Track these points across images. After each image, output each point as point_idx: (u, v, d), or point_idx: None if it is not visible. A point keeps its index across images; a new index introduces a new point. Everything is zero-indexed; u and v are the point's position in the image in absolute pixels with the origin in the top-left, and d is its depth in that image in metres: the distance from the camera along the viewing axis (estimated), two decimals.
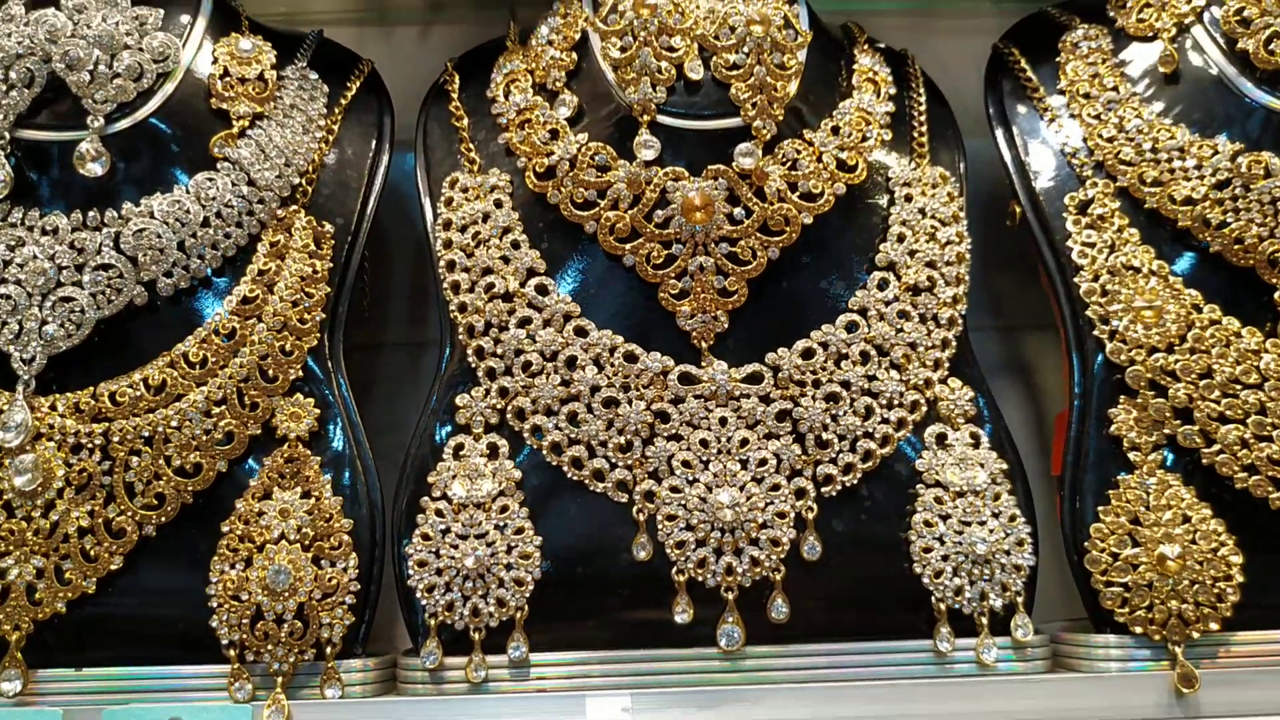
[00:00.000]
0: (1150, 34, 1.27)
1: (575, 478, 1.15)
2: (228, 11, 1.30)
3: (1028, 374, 1.47)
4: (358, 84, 1.33)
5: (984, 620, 1.15)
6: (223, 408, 1.16)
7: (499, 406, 1.17)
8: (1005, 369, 1.43)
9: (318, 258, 1.22)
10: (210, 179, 1.20)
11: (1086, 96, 1.27)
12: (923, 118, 1.30)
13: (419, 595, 1.13)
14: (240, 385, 1.17)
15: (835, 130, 1.23)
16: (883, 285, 1.21)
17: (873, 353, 1.18)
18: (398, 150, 1.33)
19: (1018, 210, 1.32)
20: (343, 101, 1.31)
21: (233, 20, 1.30)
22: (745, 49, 1.18)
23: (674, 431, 1.15)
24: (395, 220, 1.47)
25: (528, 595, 1.13)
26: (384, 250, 1.47)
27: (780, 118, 1.19)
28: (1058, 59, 1.31)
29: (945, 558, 1.14)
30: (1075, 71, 1.28)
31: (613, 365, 1.16)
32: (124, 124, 1.19)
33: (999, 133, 1.30)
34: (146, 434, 1.15)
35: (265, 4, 1.55)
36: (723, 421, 1.15)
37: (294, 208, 1.23)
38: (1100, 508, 1.16)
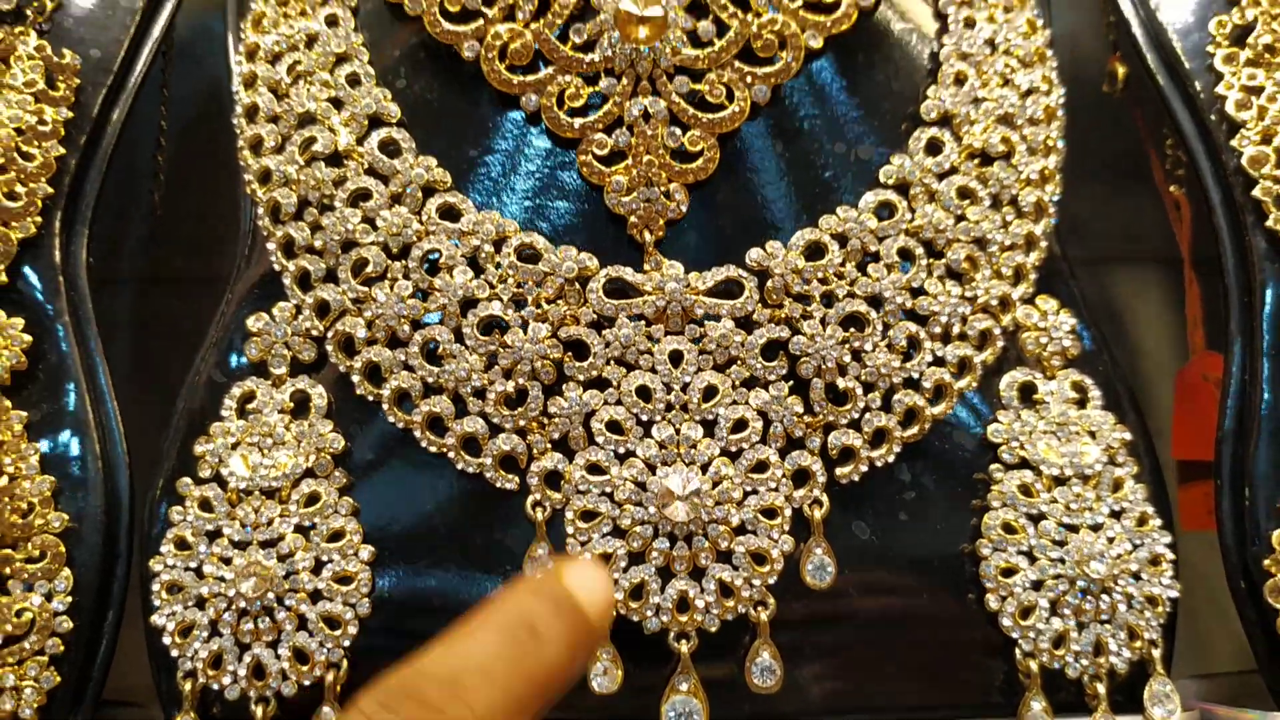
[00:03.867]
0: None
1: (434, 449, 0.62)
2: None
3: (1117, 322, 0.93)
4: None
5: (1101, 689, 0.61)
6: None
7: (315, 332, 0.64)
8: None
9: (49, 102, 0.68)
10: None
11: None
12: None
13: (169, 640, 0.60)
14: None
15: None
16: (934, 148, 0.67)
17: (919, 251, 0.64)
18: None
19: (1121, 70, 0.79)
20: None
21: None
22: None
23: (595, 374, 0.62)
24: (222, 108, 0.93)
25: (348, 644, 0.60)
26: (207, 148, 0.92)
27: None
28: None
29: (1038, 585, 0.61)
30: None
31: (499, 267, 0.63)
32: None
33: None
34: None
35: None
36: (675, 359, 0.62)
37: (20, 28, 0.70)
38: None
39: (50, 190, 0.67)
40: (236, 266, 0.67)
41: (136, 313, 0.93)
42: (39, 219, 0.66)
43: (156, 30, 0.73)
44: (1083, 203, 0.78)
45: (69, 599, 0.60)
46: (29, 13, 0.70)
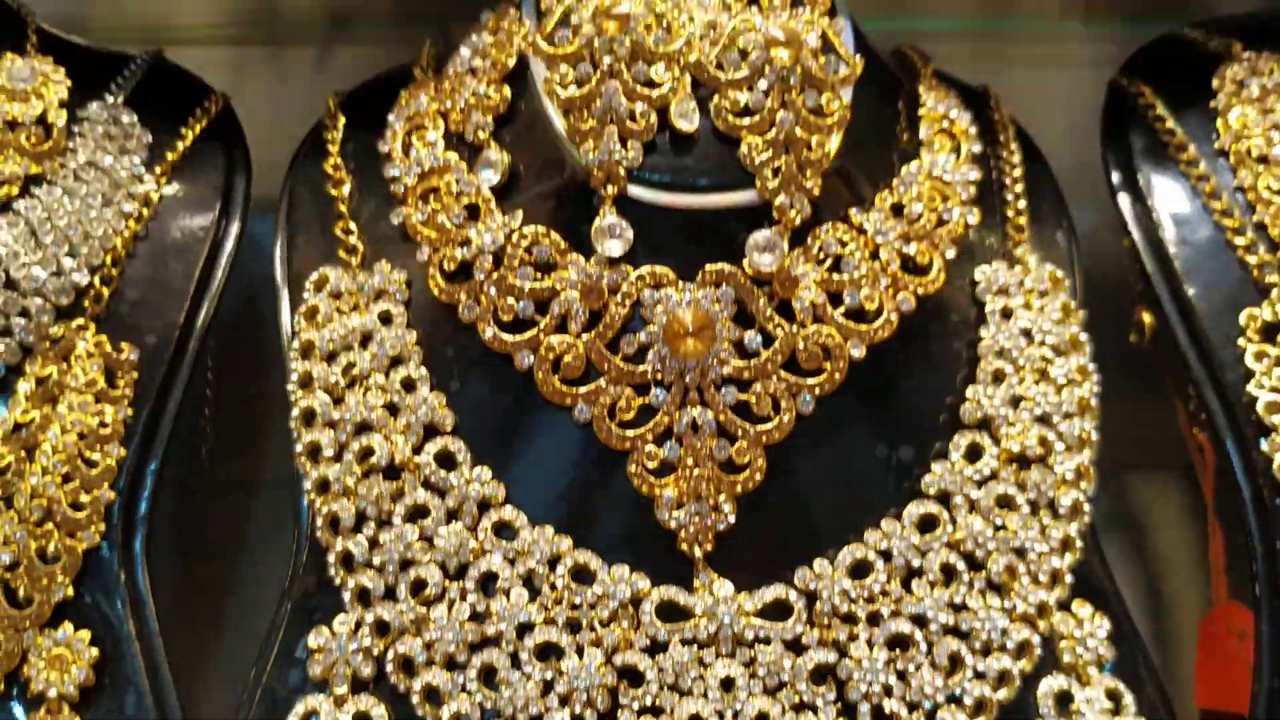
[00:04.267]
0: None
1: None
2: (6, 22, 0.78)
3: (1137, 532, 0.94)
4: (199, 128, 0.80)
5: None
6: None
7: (375, 651, 0.65)
8: (1102, 526, 0.89)
9: (109, 400, 0.70)
10: None
11: (1264, 162, 0.75)
12: (1019, 187, 0.78)
13: None
14: None
15: (897, 210, 0.71)
16: (973, 454, 0.69)
17: (960, 566, 0.66)
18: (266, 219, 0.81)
19: (1147, 320, 0.81)
20: (170, 156, 0.78)
21: (12, 34, 0.78)
22: (764, 84, 0.66)
23: (650, 701, 0.63)
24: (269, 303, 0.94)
25: None
26: (259, 354, 0.93)
27: (816, 192, 0.67)
28: (1213, 103, 0.78)
29: None
30: (1243, 122, 0.76)
31: (554, 588, 0.65)
32: None
33: (1125, 205, 0.78)
34: None
35: (118, 14, 1.04)
36: (727, 685, 0.63)
37: (79, 321, 0.71)
38: None
39: (112, 496, 0.68)
40: (291, 570, 0.69)
41: (174, 518, 0.94)
42: (102, 526, 0.68)
43: (206, 308, 0.75)
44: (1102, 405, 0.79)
45: None
46: (86, 303, 0.72)
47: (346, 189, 0.76)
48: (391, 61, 1.04)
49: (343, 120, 0.79)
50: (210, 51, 1.03)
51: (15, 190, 0.72)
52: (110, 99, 0.78)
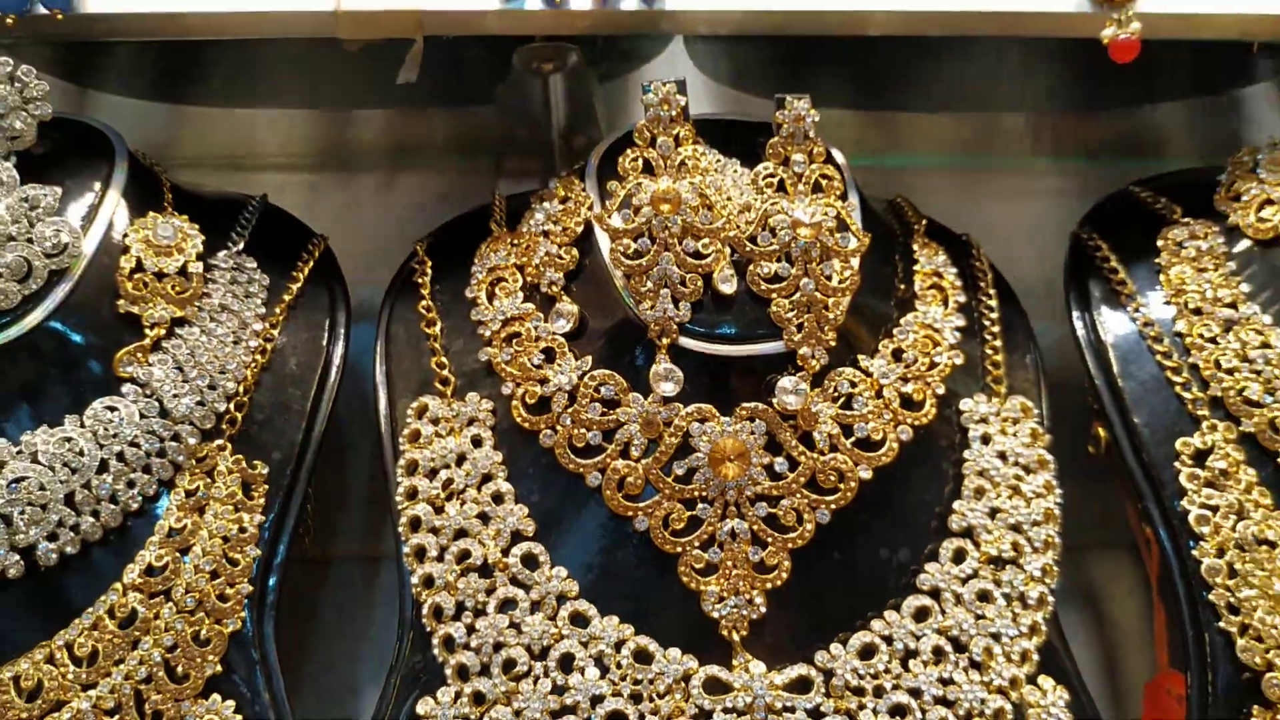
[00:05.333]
0: (1275, 237, 0.94)
1: None
2: (147, 181, 0.95)
3: (1095, 603, 1.13)
4: (307, 269, 0.98)
5: None
6: (116, 719, 0.81)
7: (473, 718, 0.83)
8: (1064, 598, 1.06)
9: (246, 509, 0.87)
10: (112, 408, 0.85)
11: (1198, 313, 0.93)
12: (996, 328, 0.97)
13: None
14: (140, 687, 0.82)
15: (897, 355, 0.89)
16: (959, 557, 0.87)
17: (948, 648, 0.84)
18: (356, 322, 0.99)
19: (1102, 435, 0.99)
20: (286, 298, 0.95)
21: (152, 191, 0.95)
22: (789, 257, 0.84)
23: None
24: (348, 404, 1.11)
25: None
26: (336, 447, 1.11)
27: (832, 344, 0.85)
28: (1157, 260, 0.97)
29: None
30: (1182, 278, 0.95)
31: (619, 667, 0.82)
32: (1, 336, 0.84)
33: (1084, 342, 0.96)
34: None
35: (205, 144, 1.22)
36: None
37: (218, 443, 0.88)
38: None
39: (250, 589, 0.85)
40: (396, 650, 0.86)
41: None
42: (243, 614, 0.85)
43: (319, 427, 0.92)
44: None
45: None
46: (224, 426, 0.89)
47: (438, 328, 0.94)
48: (449, 185, 1.23)
49: (430, 265, 0.97)
50: (288, 176, 1.21)
51: (163, 332, 0.89)
52: (233, 247, 0.95)
